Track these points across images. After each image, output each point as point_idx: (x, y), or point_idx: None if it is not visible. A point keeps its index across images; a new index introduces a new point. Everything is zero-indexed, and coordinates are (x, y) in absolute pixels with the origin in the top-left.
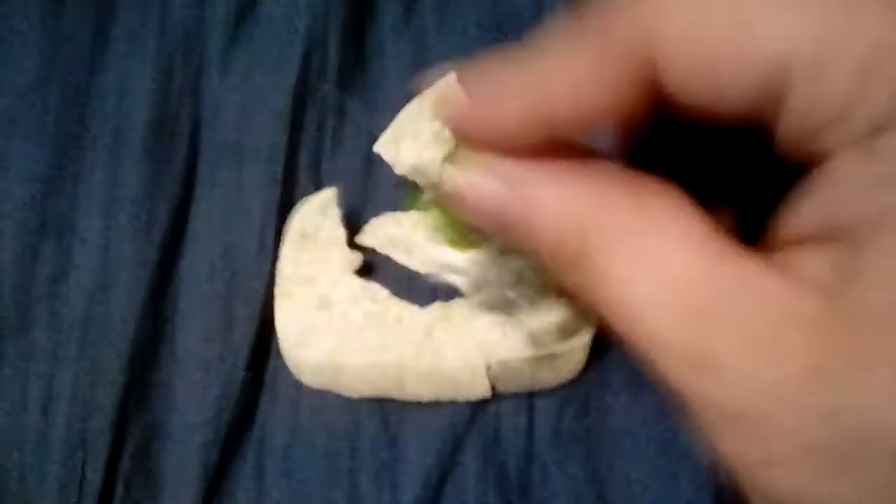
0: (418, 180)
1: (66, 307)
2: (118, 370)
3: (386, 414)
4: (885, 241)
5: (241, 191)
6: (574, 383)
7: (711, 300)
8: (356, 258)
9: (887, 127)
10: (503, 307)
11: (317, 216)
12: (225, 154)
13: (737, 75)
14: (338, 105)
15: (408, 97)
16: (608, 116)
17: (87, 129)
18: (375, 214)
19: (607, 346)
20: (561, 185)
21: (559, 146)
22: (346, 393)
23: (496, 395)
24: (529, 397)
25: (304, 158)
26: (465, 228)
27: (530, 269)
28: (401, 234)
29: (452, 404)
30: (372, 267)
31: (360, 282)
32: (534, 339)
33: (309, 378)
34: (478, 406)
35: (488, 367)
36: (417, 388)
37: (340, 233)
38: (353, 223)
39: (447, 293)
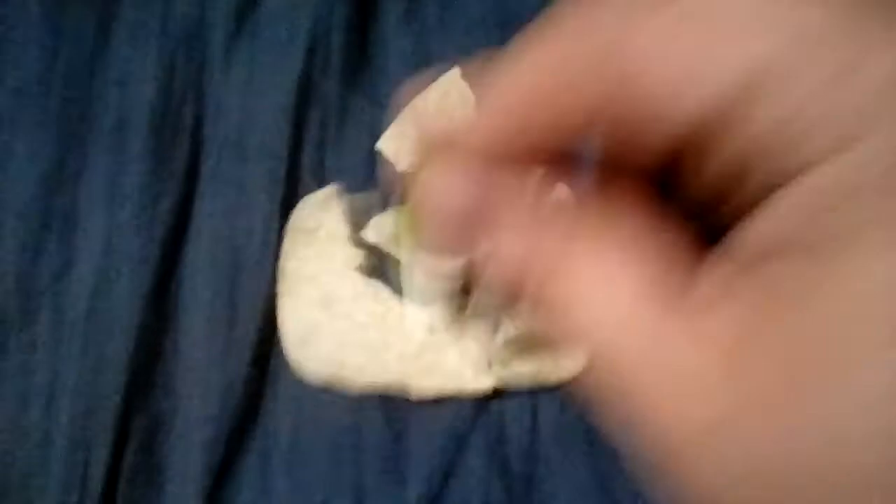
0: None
1: (69, 302)
2: (121, 365)
3: (390, 410)
4: (848, 259)
5: (244, 187)
6: (578, 380)
7: (642, 346)
8: (358, 255)
9: (852, 141)
10: (489, 310)
11: (318, 213)
12: (228, 150)
13: (700, 89)
14: (341, 102)
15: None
16: (556, 136)
17: (89, 125)
18: (378, 211)
19: None
20: (524, 209)
21: (538, 158)
22: (348, 389)
23: (499, 392)
24: (533, 395)
25: (307, 155)
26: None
27: None
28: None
29: (457, 402)
30: (375, 264)
31: (362, 280)
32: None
33: (311, 375)
34: (482, 403)
35: (489, 364)
36: (420, 385)
37: (342, 229)
38: (356, 220)
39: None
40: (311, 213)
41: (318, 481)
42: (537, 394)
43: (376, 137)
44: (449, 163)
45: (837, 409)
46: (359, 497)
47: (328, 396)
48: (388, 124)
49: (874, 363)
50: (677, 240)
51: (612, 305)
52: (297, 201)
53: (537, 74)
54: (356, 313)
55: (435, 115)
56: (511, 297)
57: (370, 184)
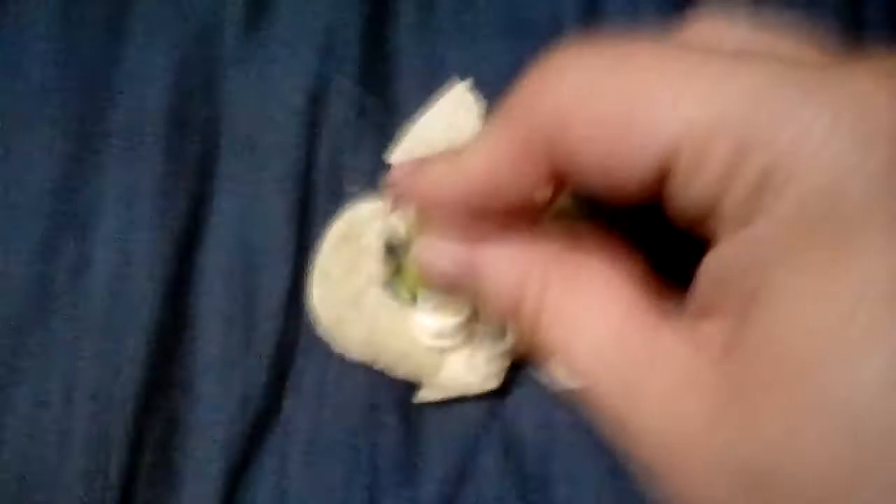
0: None
1: (85, 302)
2: (139, 365)
3: (406, 411)
4: (758, 318)
5: (259, 187)
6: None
7: (630, 366)
8: (388, 272)
9: (750, 219)
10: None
11: (362, 223)
12: (242, 150)
13: (628, 161)
14: (357, 103)
15: (423, 102)
16: (520, 193)
17: (103, 124)
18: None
19: None
20: (508, 257)
21: (515, 211)
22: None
23: (514, 392)
24: (547, 395)
25: (322, 155)
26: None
27: None
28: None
29: (471, 403)
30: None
31: (387, 296)
32: None
33: (347, 353)
34: (497, 401)
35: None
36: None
37: (378, 245)
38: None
39: None
40: (356, 221)
41: (334, 482)
42: (552, 392)
43: (391, 138)
44: (436, 228)
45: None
46: (374, 498)
47: (346, 396)
48: (403, 127)
49: (842, 374)
50: (649, 274)
51: (600, 327)
52: (312, 201)
53: (496, 160)
54: (379, 323)
55: (443, 130)
56: (510, 325)
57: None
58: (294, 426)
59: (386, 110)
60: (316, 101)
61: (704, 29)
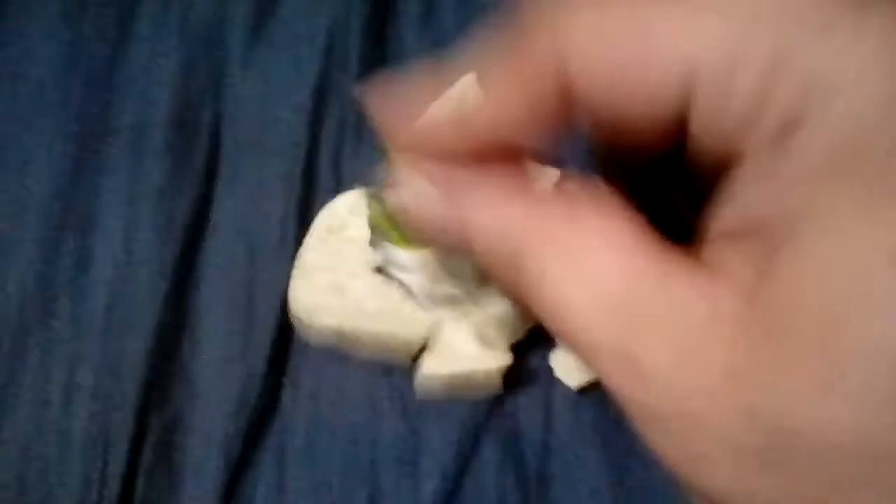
0: None
1: (87, 300)
2: (140, 363)
3: (406, 406)
4: (799, 241)
5: (262, 186)
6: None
7: (636, 304)
8: (376, 258)
9: (796, 125)
10: (451, 304)
11: (345, 214)
12: (246, 149)
13: (645, 85)
14: (359, 102)
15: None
16: (529, 129)
17: (108, 123)
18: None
19: None
20: (497, 196)
21: (504, 153)
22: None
23: (513, 387)
24: (548, 389)
25: (324, 155)
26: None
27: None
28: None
29: (471, 397)
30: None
31: (378, 279)
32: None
33: (318, 342)
34: (496, 398)
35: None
36: (430, 373)
37: (365, 233)
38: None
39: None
40: (339, 212)
41: (334, 477)
42: (552, 388)
43: None
44: (422, 163)
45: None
46: (374, 492)
47: (345, 392)
48: None
49: (865, 330)
50: (647, 221)
51: (606, 272)
52: (314, 201)
53: (496, 91)
54: (366, 304)
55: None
56: (496, 283)
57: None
58: (293, 423)
59: None
60: (319, 100)
61: None
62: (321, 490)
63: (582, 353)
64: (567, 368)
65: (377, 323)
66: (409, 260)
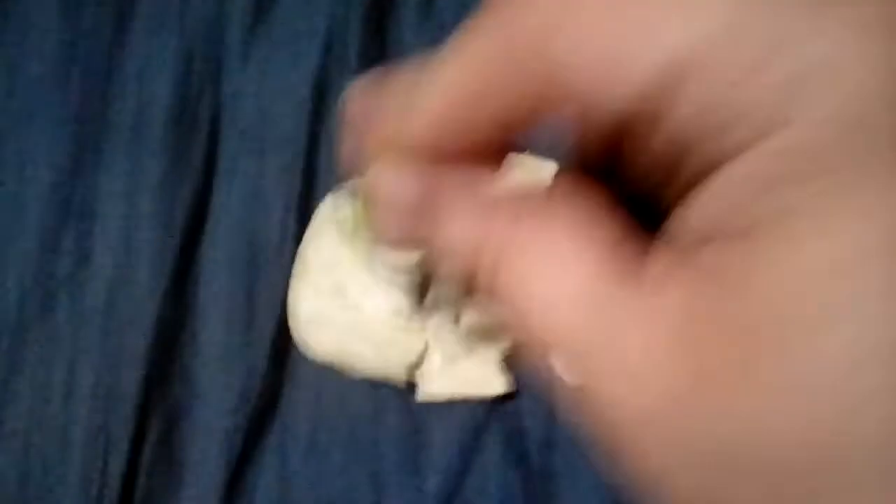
0: None
1: (87, 294)
2: (140, 357)
3: (409, 401)
4: (744, 257)
5: (261, 181)
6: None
7: (594, 328)
8: (372, 259)
9: (764, 135)
10: (449, 301)
11: (346, 206)
12: (245, 144)
13: (630, 75)
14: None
15: None
16: (497, 120)
17: (107, 118)
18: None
19: None
20: (469, 206)
21: (482, 150)
22: (350, 375)
23: (515, 385)
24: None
25: (323, 150)
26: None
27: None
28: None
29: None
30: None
31: (375, 281)
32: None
33: (316, 356)
34: (499, 396)
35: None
36: (429, 391)
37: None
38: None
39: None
40: (339, 205)
41: (336, 473)
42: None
43: None
44: (395, 159)
45: (775, 393)
46: (377, 489)
47: (348, 387)
48: None
49: (807, 347)
50: (626, 224)
51: (562, 284)
52: (313, 196)
53: (470, 75)
54: (365, 306)
55: None
56: (466, 288)
57: None
58: (295, 419)
59: None
60: (318, 95)
61: None
62: (323, 486)
63: (541, 356)
64: None
65: (376, 326)
66: (403, 261)
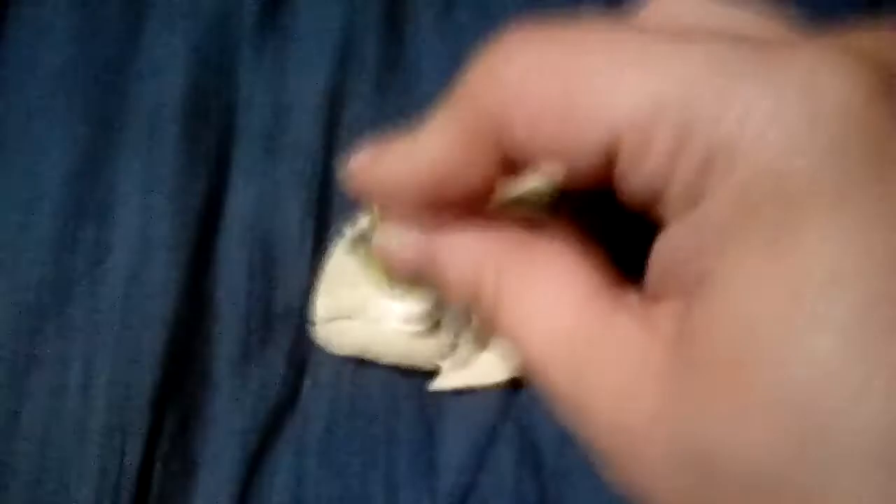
0: None
1: (104, 290)
2: (156, 353)
3: (423, 400)
4: (704, 303)
5: (276, 181)
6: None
7: (584, 351)
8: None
9: (696, 201)
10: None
11: (368, 229)
12: (259, 143)
13: (580, 147)
14: (374, 101)
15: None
16: (472, 181)
17: (122, 113)
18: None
19: None
20: (465, 246)
21: (472, 203)
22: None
23: (528, 384)
24: None
25: (340, 156)
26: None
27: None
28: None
29: (487, 392)
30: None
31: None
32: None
33: (337, 350)
34: (513, 392)
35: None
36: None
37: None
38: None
39: None
40: (366, 230)
41: (351, 472)
42: None
43: None
44: (396, 217)
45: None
46: (391, 487)
47: (364, 387)
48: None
49: (757, 379)
50: (607, 268)
51: (557, 312)
52: (330, 200)
53: (446, 151)
54: (385, 326)
55: None
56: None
57: None
58: (311, 416)
59: (404, 109)
60: (333, 100)
61: (664, 5)
62: (339, 482)
63: (543, 388)
64: None
65: (396, 344)
66: (413, 309)
